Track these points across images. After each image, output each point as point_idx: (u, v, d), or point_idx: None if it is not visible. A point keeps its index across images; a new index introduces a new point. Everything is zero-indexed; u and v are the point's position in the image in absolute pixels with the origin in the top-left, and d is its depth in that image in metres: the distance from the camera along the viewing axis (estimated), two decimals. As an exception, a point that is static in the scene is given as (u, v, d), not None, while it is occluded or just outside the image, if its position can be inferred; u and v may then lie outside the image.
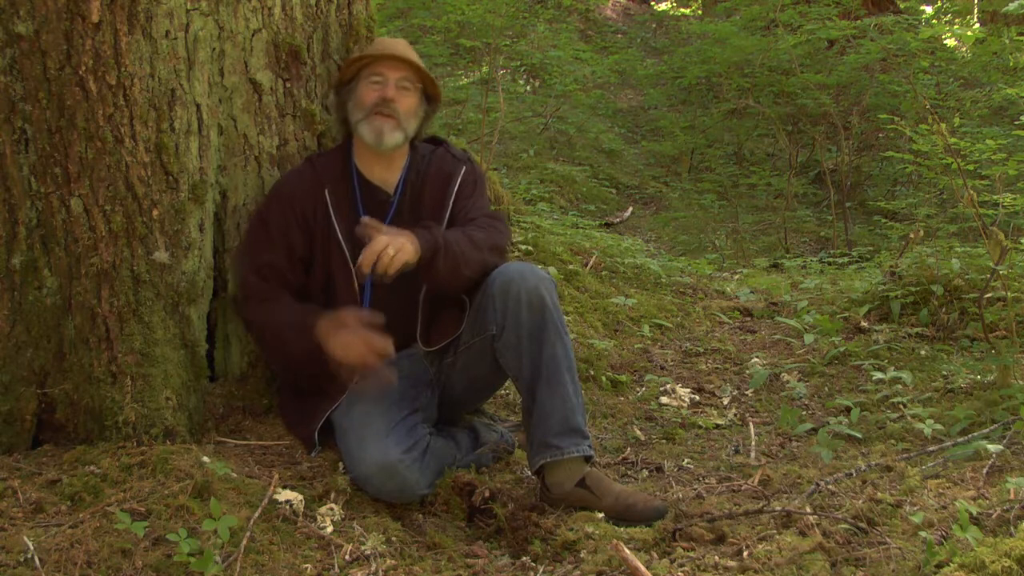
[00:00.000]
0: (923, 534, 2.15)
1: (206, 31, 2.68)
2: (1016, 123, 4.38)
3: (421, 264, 2.56)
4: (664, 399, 3.66)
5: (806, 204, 8.99)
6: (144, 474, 2.33)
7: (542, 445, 2.62)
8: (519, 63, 10.53)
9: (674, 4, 14.78)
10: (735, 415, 3.54)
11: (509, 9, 7.57)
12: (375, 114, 2.72)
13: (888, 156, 7.53)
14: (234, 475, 2.41)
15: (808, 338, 4.11)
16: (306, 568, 2.16)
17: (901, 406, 3.36)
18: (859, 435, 3.13)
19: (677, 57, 11.02)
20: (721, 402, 3.70)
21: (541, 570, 2.30)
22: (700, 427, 3.41)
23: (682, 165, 10.21)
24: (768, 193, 9.06)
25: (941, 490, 2.45)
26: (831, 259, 6.82)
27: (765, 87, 9.12)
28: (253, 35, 2.78)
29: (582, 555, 2.33)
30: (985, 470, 2.54)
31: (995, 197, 3.70)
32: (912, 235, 5.16)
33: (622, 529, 2.46)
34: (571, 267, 4.77)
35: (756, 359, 4.14)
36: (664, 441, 3.28)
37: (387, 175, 2.82)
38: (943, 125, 3.75)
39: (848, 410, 3.35)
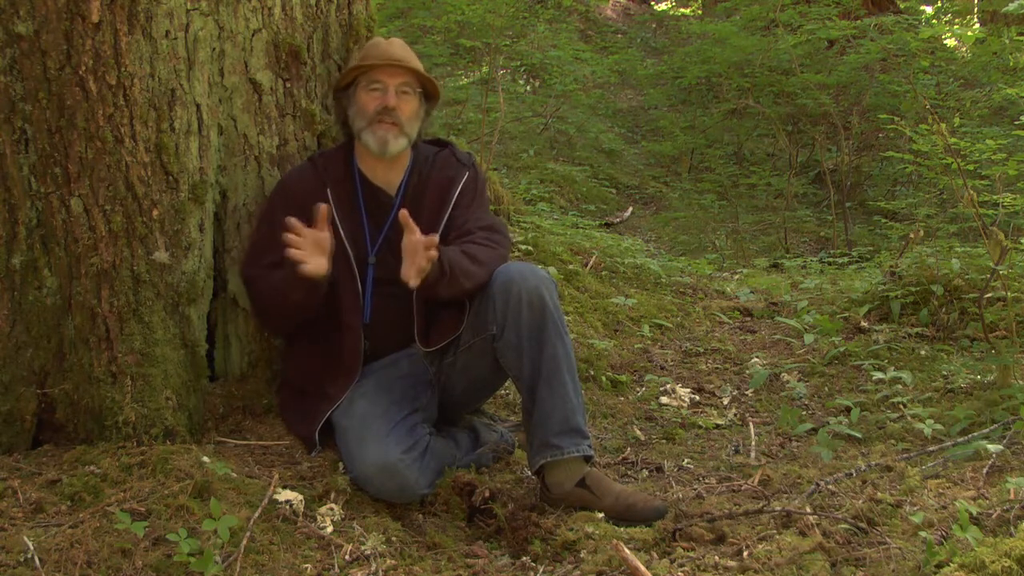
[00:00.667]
0: (923, 534, 2.15)
1: (206, 31, 2.68)
2: (1016, 123, 4.38)
3: (423, 286, 2.55)
4: (664, 399, 3.66)
5: (806, 204, 8.99)
6: (144, 474, 2.33)
7: (542, 445, 2.62)
8: (519, 63, 10.53)
9: (674, 4, 14.78)
10: (735, 415, 3.54)
11: (509, 9, 7.57)
12: (378, 122, 2.72)
13: (888, 156, 7.53)
14: (234, 475, 2.41)
15: (808, 338, 4.11)
16: (306, 568, 2.16)
17: (901, 406, 3.36)
18: (859, 435, 3.13)
19: (677, 57, 11.02)
20: (721, 402, 3.70)
21: (541, 570, 2.30)
22: (700, 427, 3.41)
23: (682, 165, 10.21)
24: (768, 193, 9.06)
25: (941, 490, 2.45)
26: (831, 259, 6.82)
27: (765, 87, 9.12)
28: (253, 35, 2.78)
29: (582, 555, 2.33)
30: (985, 470, 2.54)
31: (995, 197, 3.70)
32: (912, 235, 5.16)
33: (622, 529, 2.46)
34: (571, 267, 4.77)
35: (756, 359, 4.14)
36: (664, 441, 3.28)
37: (389, 177, 2.82)
38: (943, 125, 3.75)
39: (848, 410, 3.35)
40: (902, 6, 10.24)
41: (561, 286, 4.41)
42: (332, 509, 2.40)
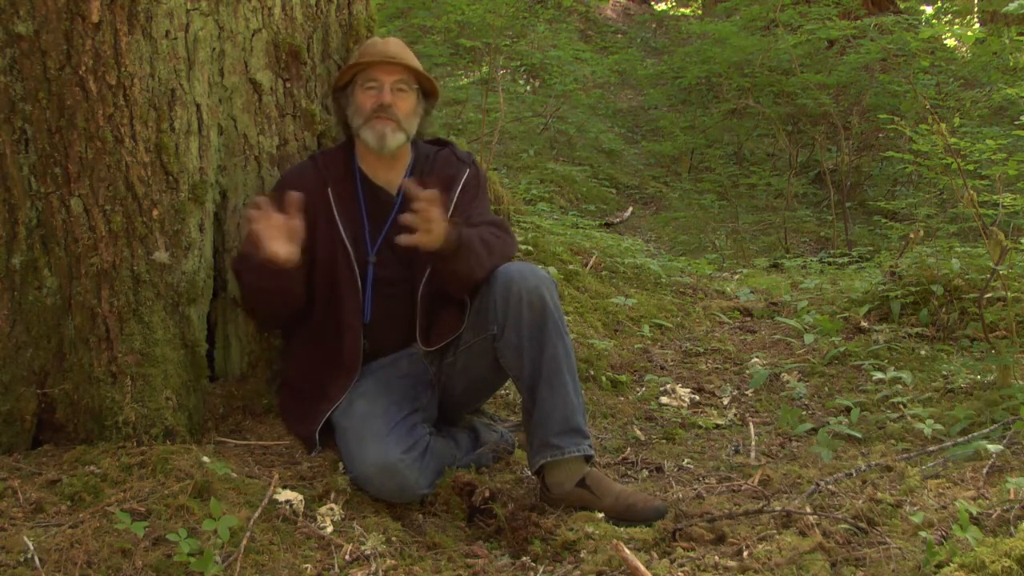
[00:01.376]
0: (923, 534, 2.15)
1: (206, 31, 2.68)
2: (1016, 123, 4.38)
3: (442, 255, 2.56)
4: (664, 399, 3.66)
5: (806, 204, 8.99)
6: (144, 474, 2.33)
7: (543, 445, 2.62)
8: (519, 63, 10.53)
9: (674, 4, 14.78)
10: (735, 415, 3.54)
11: (509, 9, 7.57)
12: (375, 119, 2.71)
13: (888, 156, 7.53)
14: (234, 475, 2.41)
15: (808, 338, 4.11)
16: (306, 568, 2.16)
17: (901, 406, 3.36)
18: (859, 435, 3.13)
19: (677, 57, 11.02)
20: (721, 402, 3.70)
21: (541, 570, 2.30)
22: (700, 427, 3.41)
23: (682, 165, 10.21)
24: (768, 193, 9.06)
25: (941, 490, 2.45)
26: (831, 259, 6.82)
27: (765, 87, 9.12)
28: (253, 35, 2.78)
29: (582, 555, 2.33)
30: (985, 470, 2.54)
31: (995, 197, 3.70)
32: (912, 235, 5.16)
33: (622, 529, 2.46)
34: (571, 267, 4.77)
35: (756, 359, 4.14)
36: (664, 441, 3.28)
37: (390, 176, 2.82)
38: (943, 125, 3.75)
39: (848, 410, 3.35)
40: (902, 6, 10.24)
41: (561, 286, 4.41)
42: (332, 509, 2.39)
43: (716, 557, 2.22)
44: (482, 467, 2.81)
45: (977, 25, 11.34)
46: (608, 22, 13.86)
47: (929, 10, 10.40)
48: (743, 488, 2.73)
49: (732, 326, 4.69)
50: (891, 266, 4.69)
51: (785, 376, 3.87)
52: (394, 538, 2.35)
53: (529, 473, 2.74)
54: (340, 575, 2.18)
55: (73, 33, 2.48)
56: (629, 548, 2.21)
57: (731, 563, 2.18)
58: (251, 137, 2.81)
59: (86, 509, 2.19)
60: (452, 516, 2.56)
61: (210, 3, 2.68)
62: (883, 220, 7.46)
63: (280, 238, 2.52)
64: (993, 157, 3.89)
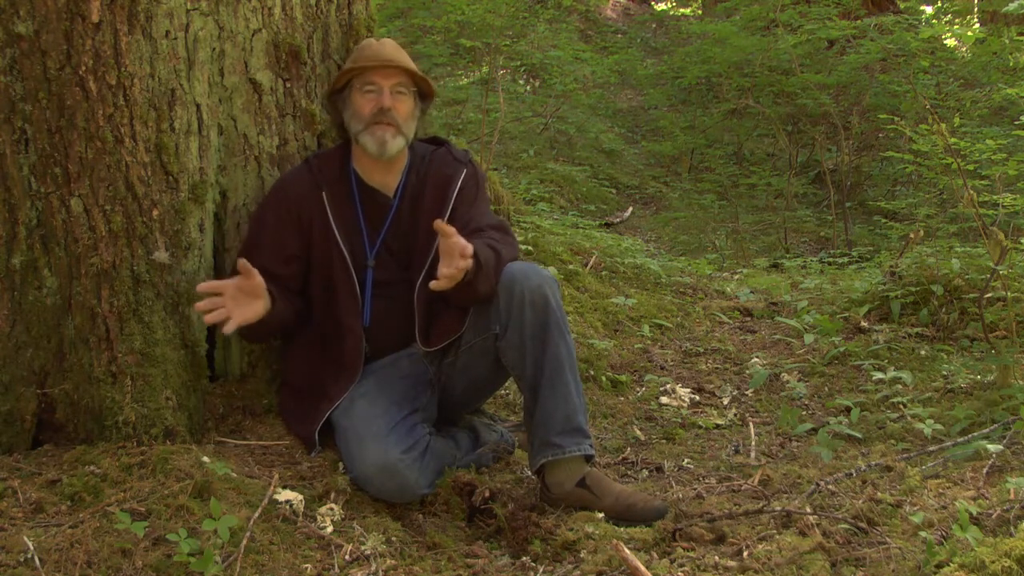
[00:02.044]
0: (923, 534, 2.15)
1: (206, 31, 2.68)
2: (1016, 123, 4.38)
3: (463, 282, 2.54)
4: (664, 399, 3.66)
5: (806, 204, 8.99)
6: (144, 474, 2.33)
7: (544, 444, 2.62)
8: (519, 63, 10.53)
9: (674, 4, 14.78)
10: (735, 415, 3.54)
11: (509, 9, 7.57)
12: (375, 124, 2.70)
13: (888, 156, 7.53)
14: (234, 475, 2.41)
15: (808, 338, 4.11)
16: (306, 568, 2.16)
17: (901, 406, 3.36)
18: (859, 435, 3.13)
19: (677, 57, 11.02)
20: (721, 402, 3.70)
21: (541, 570, 2.30)
22: (700, 427, 3.41)
23: (682, 165, 10.22)
24: (768, 193, 9.06)
25: (941, 490, 2.45)
26: (831, 259, 6.82)
27: (765, 87, 9.12)
28: (253, 35, 2.78)
29: (582, 555, 2.33)
30: (985, 470, 2.54)
31: (995, 197, 3.70)
32: (912, 235, 5.16)
33: (622, 529, 2.46)
34: (571, 267, 4.77)
35: (756, 359, 4.14)
36: (664, 441, 3.28)
37: (387, 179, 2.80)
38: (943, 125, 3.75)
39: (848, 410, 3.35)
40: (902, 6, 10.23)
41: (561, 286, 4.40)
42: (332, 509, 2.39)
43: (716, 557, 2.22)
44: (482, 467, 2.81)
45: (977, 25, 11.34)
46: (608, 22, 13.86)
47: (929, 10, 10.40)
48: (743, 488, 2.73)
49: (732, 326, 4.69)
50: (891, 266, 4.69)
51: (785, 376, 3.87)
52: (394, 538, 2.35)
53: (529, 473, 2.75)
54: (340, 575, 2.18)
55: (73, 33, 2.48)
56: (629, 548, 2.21)
57: (731, 563, 2.18)
58: (251, 137, 2.81)
59: (86, 509, 2.19)
60: (452, 516, 2.56)
61: (210, 3, 2.68)
62: (883, 220, 7.46)
63: (245, 302, 2.51)
64: (993, 157, 3.89)
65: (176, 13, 2.61)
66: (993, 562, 1.88)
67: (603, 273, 5.00)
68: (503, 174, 8.23)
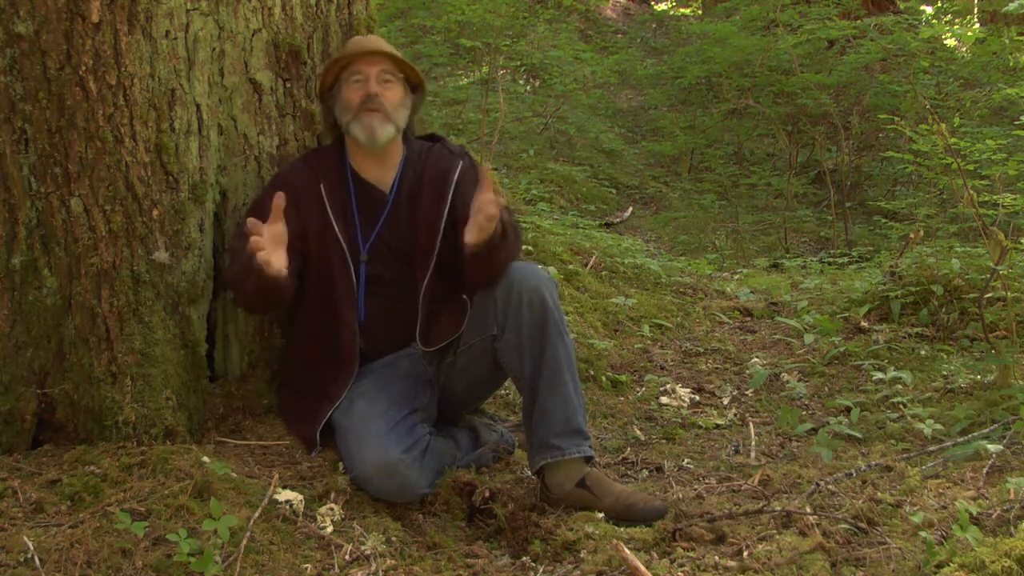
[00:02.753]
0: (923, 534, 2.15)
1: (206, 31, 2.68)
2: (1016, 123, 4.38)
3: (492, 241, 2.55)
4: (664, 399, 3.66)
5: (806, 204, 8.99)
6: (144, 474, 2.33)
7: (543, 446, 2.62)
8: (519, 63, 10.53)
9: (674, 4, 14.78)
10: (735, 415, 3.54)
11: (509, 9, 7.57)
12: (363, 111, 2.69)
13: (888, 156, 7.53)
14: (234, 475, 2.41)
15: (808, 338, 4.11)
16: (306, 568, 2.16)
17: (901, 406, 3.36)
18: (859, 435, 3.13)
19: (677, 57, 11.02)
20: (721, 402, 3.70)
21: (541, 570, 2.30)
22: (700, 427, 3.41)
23: (682, 165, 10.22)
24: (768, 193, 9.06)
25: (941, 490, 2.45)
26: (831, 259, 6.82)
27: (765, 87, 9.12)
28: (253, 35, 2.78)
29: (582, 555, 2.33)
30: (985, 470, 2.54)
31: (995, 197, 3.70)
32: (912, 235, 5.16)
33: (622, 529, 2.46)
34: (571, 267, 4.77)
35: (756, 359, 4.14)
36: (664, 441, 3.28)
37: (382, 174, 2.80)
38: (943, 125, 3.75)
39: (848, 410, 3.35)
40: (902, 6, 10.23)
41: (561, 286, 4.41)
42: (332, 509, 2.39)
43: (716, 557, 2.22)
44: (482, 467, 2.81)
45: (977, 25, 11.34)
46: (608, 22, 13.86)
47: (929, 10, 10.40)
48: (743, 488, 2.73)
49: (732, 326, 4.69)
50: (891, 266, 4.69)
51: (785, 376, 3.87)
52: (394, 538, 2.35)
53: (529, 473, 2.74)
54: (340, 575, 2.18)
55: (73, 33, 2.48)
56: (629, 548, 2.21)
57: (731, 563, 2.18)
58: (251, 137, 2.81)
59: (86, 509, 2.19)
60: (452, 516, 2.56)
61: (210, 3, 2.68)
62: (883, 220, 7.46)
63: (275, 249, 2.50)
64: (993, 157, 3.89)
65: (176, 13, 2.61)
66: (993, 562, 1.88)
67: (603, 273, 5.00)
68: (503, 174, 8.23)
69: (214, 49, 2.71)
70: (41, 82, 2.50)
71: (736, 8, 9.87)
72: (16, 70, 2.51)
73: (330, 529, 2.33)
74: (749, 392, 3.76)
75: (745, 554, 2.22)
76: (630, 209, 8.91)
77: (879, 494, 2.42)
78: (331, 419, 2.65)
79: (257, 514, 2.23)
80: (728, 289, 5.38)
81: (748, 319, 4.84)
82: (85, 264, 2.53)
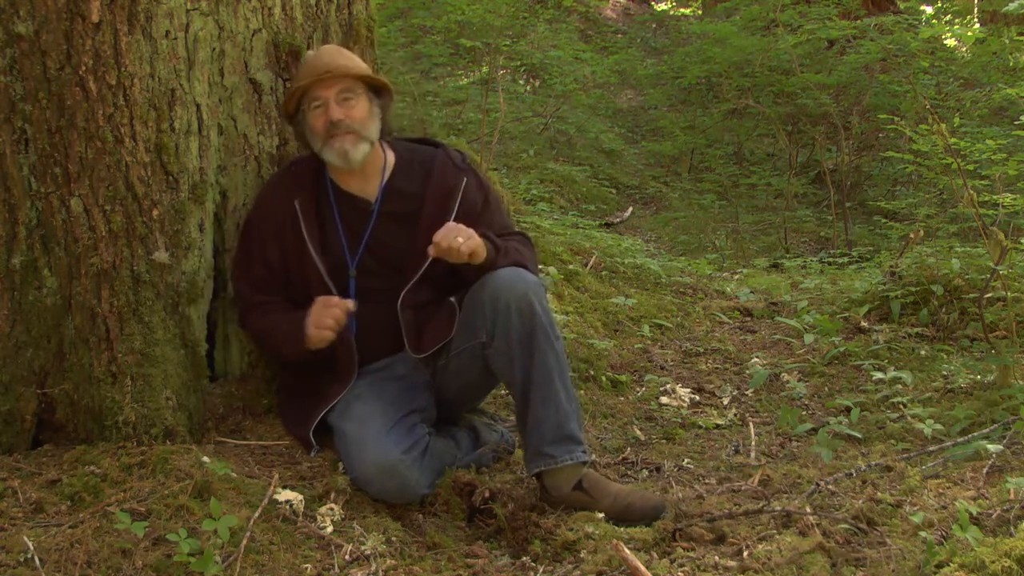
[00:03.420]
0: (923, 534, 2.15)
1: (206, 31, 2.68)
2: (1016, 123, 4.38)
3: (486, 264, 2.57)
4: (664, 399, 3.65)
5: (806, 204, 8.99)
6: (144, 474, 2.33)
7: (536, 453, 2.61)
8: (519, 63, 10.53)
9: (674, 4, 14.78)
10: (735, 415, 3.54)
11: (509, 9, 7.57)
12: (331, 137, 2.63)
13: (888, 156, 7.52)
14: (234, 475, 2.41)
15: (808, 338, 4.11)
16: (306, 568, 2.16)
17: (901, 406, 3.36)
18: (859, 435, 3.13)
19: (677, 57, 11.02)
20: (721, 402, 3.69)
21: (541, 570, 2.30)
22: (700, 427, 3.40)
23: (682, 165, 10.21)
24: (768, 193, 9.06)
25: (941, 490, 2.45)
26: (831, 259, 6.81)
27: (765, 87, 9.12)
28: (253, 35, 2.78)
29: (582, 555, 2.33)
30: (985, 470, 2.54)
31: (995, 197, 3.69)
32: (912, 235, 5.16)
33: (622, 529, 2.46)
34: (571, 267, 4.77)
35: (756, 359, 4.14)
36: (664, 441, 3.27)
37: (364, 184, 2.75)
38: (943, 125, 3.75)
39: (848, 410, 3.35)
40: (902, 6, 10.23)
41: (561, 286, 4.41)
42: (332, 509, 2.39)
43: (716, 557, 2.22)
44: (482, 467, 2.80)
45: (977, 25, 11.33)
46: (608, 22, 13.86)
47: (929, 10, 10.40)
48: (743, 488, 2.73)
49: (732, 326, 4.69)
50: (891, 266, 4.68)
51: (785, 376, 3.87)
52: (394, 538, 2.35)
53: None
54: (340, 575, 2.18)
55: (73, 33, 2.48)
56: (629, 548, 2.22)
57: (731, 563, 2.19)
58: (251, 137, 2.81)
59: (86, 509, 2.19)
60: (452, 516, 2.56)
61: (210, 3, 2.68)
62: (883, 220, 7.46)
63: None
64: (993, 157, 3.89)
65: (176, 13, 2.61)
66: (993, 562, 1.88)
67: (603, 273, 5.00)
68: (503, 174, 8.22)
69: (214, 49, 2.71)
70: (41, 82, 2.50)
71: (736, 8, 9.86)
72: (16, 70, 2.51)
73: (330, 529, 2.33)
74: (749, 392, 3.76)
75: (745, 554, 2.22)
76: (630, 209, 8.91)
77: (879, 494, 2.42)
78: (329, 422, 2.64)
79: (257, 514, 2.23)
80: (728, 289, 5.37)
81: (748, 319, 4.83)
82: (85, 264, 2.53)
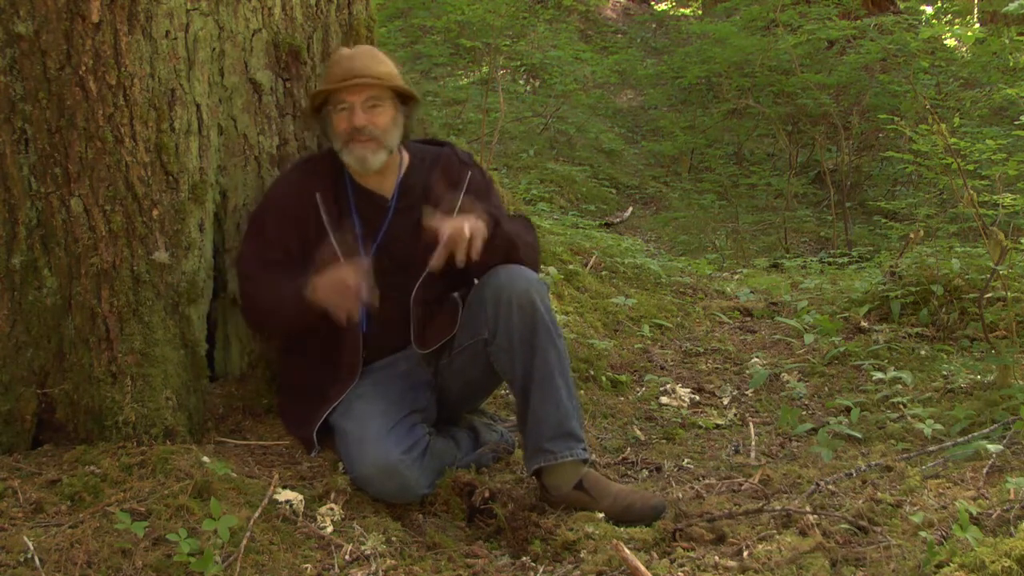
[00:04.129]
0: (923, 534, 2.15)
1: (206, 31, 2.68)
2: (1016, 123, 4.38)
3: (490, 238, 2.56)
4: (664, 399, 3.66)
5: (806, 204, 8.99)
6: (144, 474, 2.33)
7: (536, 450, 2.61)
8: (519, 63, 10.53)
9: (674, 4, 14.77)
10: (735, 415, 3.54)
11: (509, 9, 7.58)
12: (352, 141, 2.65)
13: (888, 156, 7.52)
14: (234, 475, 2.41)
15: (808, 338, 4.11)
16: (306, 568, 2.16)
17: (901, 406, 3.36)
18: (859, 435, 3.13)
19: (677, 57, 11.02)
20: (721, 402, 3.69)
21: (541, 570, 2.30)
22: (700, 427, 3.40)
23: (682, 165, 10.21)
24: (768, 193, 9.06)
25: (941, 490, 2.45)
26: (831, 259, 6.81)
27: (765, 87, 9.12)
28: (253, 35, 2.78)
29: (582, 555, 2.33)
30: (985, 470, 2.54)
31: (995, 197, 3.69)
32: (912, 235, 5.16)
33: (622, 529, 2.46)
34: (571, 267, 4.77)
35: (756, 359, 4.14)
36: (664, 441, 3.27)
37: (382, 181, 2.77)
38: (943, 125, 3.75)
39: (848, 410, 3.35)
40: (902, 6, 10.23)
41: (561, 286, 4.41)
42: (332, 509, 2.40)
43: (716, 557, 2.22)
44: (482, 467, 2.80)
45: (977, 25, 11.33)
46: (608, 22, 13.86)
47: (929, 10, 10.39)
48: (743, 488, 2.73)
49: (732, 326, 4.69)
50: (891, 266, 4.69)
51: (785, 376, 3.87)
52: (394, 538, 2.35)
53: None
54: (340, 575, 2.18)
55: (73, 33, 2.48)
56: (629, 548, 2.22)
57: (731, 563, 2.19)
58: (251, 137, 2.81)
59: (86, 509, 2.19)
60: (452, 516, 2.56)
61: (210, 3, 2.68)
62: (883, 220, 7.46)
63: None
64: (993, 157, 3.89)
65: (176, 13, 2.61)
66: (993, 562, 1.88)
67: (603, 273, 5.00)
68: (503, 174, 8.22)
69: (214, 49, 2.71)
70: (41, 82, 2.50)
71: (736, 8, 9.86)
72: (16, 70, 2.51)
73: (330, 529, 2.33)
74: (749, 392, 3.76)
75: (745, 554, 2.22)
76: (630, 209, 8.91)
77: (879, 494, 2.42)
78: (330, 421, 2.64)
79: (257, 514, 2.23)
80: (728, 289, 5.37)
81: (748, 319, 4.83)
82: (85, 264, 2.53)
